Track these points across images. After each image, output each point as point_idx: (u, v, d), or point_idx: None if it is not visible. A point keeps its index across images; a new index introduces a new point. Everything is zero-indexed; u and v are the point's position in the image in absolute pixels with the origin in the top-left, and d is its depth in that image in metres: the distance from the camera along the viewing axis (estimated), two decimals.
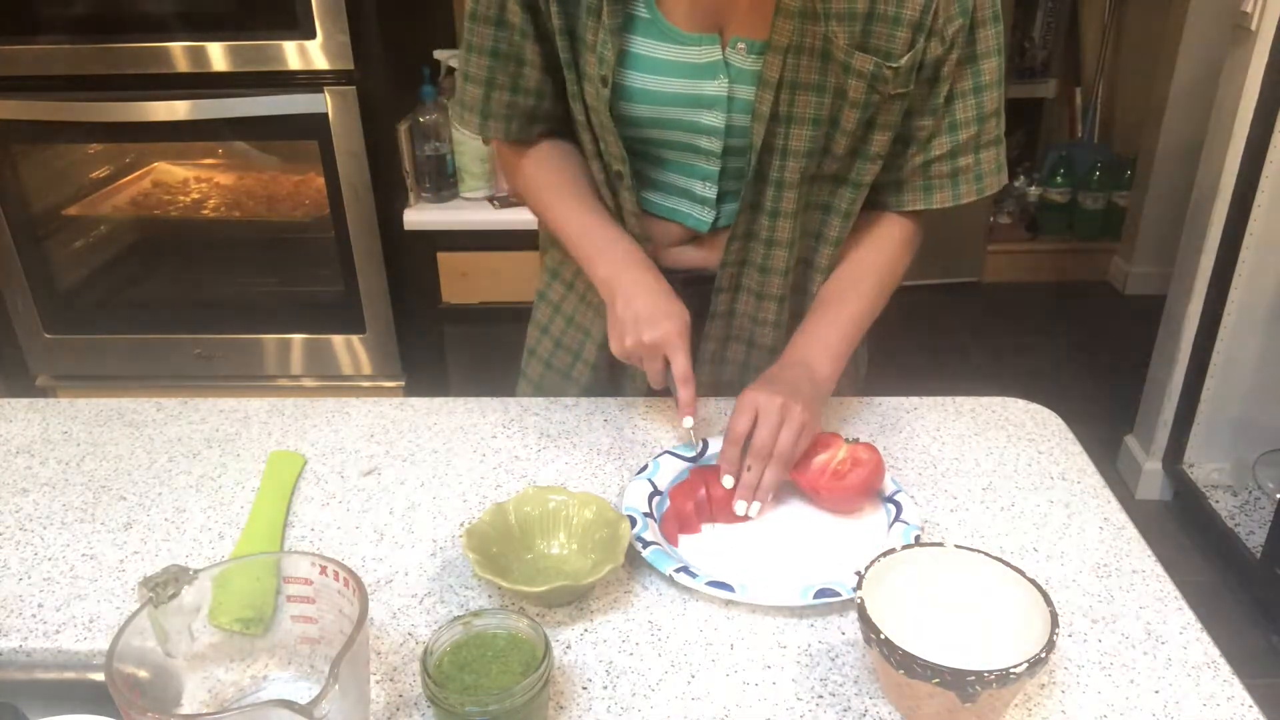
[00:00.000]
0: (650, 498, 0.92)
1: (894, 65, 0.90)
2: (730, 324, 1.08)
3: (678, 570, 0.81)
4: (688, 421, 0.94)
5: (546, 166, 1.06)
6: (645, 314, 0.95)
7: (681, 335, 0.94)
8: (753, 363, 1.10)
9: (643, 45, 0.94)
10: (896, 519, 0.88)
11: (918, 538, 0.85)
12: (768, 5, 0.89)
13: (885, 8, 0.88)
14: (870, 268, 1.04)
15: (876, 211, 1.05)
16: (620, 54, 0.93)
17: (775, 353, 1.07)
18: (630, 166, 1.00)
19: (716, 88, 0.94)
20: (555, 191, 1.05)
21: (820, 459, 0.90)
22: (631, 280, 0.97)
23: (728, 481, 0.90)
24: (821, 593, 0.79)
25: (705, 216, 1.04)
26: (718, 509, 0.90)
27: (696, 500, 0.90)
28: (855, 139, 0.96)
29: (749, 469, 0.89)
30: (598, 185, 1.05)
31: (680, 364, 0.94)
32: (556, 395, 1.14)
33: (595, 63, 0.94)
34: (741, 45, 0.93)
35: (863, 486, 0.89)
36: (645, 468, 0.95)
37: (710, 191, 1.02)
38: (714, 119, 0.96)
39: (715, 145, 0.98)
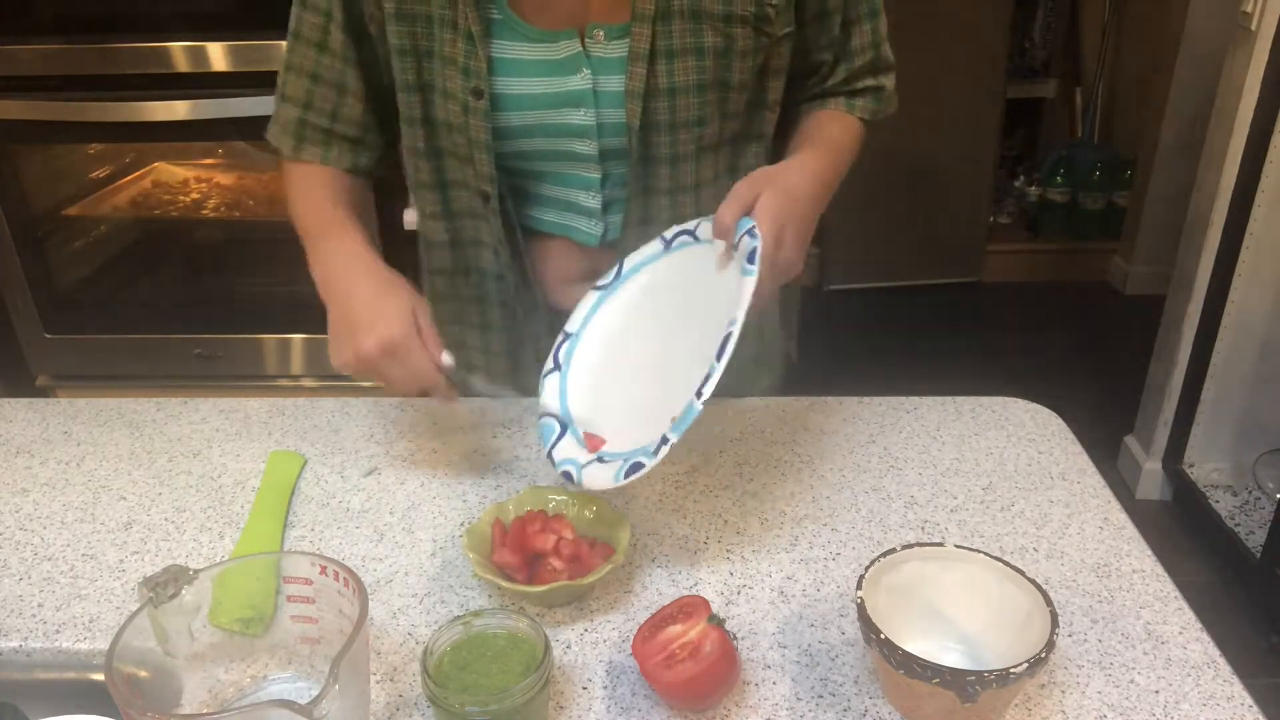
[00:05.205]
0: (559, 347, 0.94)
1: (774, 3, 0.89)
2: None
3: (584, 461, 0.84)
4: (447, 358, 0.86)
5: (312, 171, 1.00)
6: (363, 318, 0.86)
7: (405, 333, 0.84)
8: None
9: (502, 48, 0.89)
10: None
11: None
12: None
13: None
14: (830, 119, 1.01)
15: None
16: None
17: None
18: (508, 185, 0.96)
19: (580, 81, 0.90)
20: (304, 194, 0.99)
21: (672, 630, 0.71)
22: (347, 281, 0.89)
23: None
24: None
25: (593, 229, 1.01)
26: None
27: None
28: (752, 91, 0.93)
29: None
30: (430, 217, 1.02)
31: (417, 365, 0.85)
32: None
33: (457, 76, 0.89)
34: (599, 33, 0.89)
35: (682, 687, 0.68)
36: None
37: (595, 201, 0.99)
38: (584, 117, 0.92)
39: (591, 148, 0.94)
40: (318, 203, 0.99)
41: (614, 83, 0.90)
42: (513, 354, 1.11)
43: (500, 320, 1.09)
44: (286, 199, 1.02)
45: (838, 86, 1.01)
